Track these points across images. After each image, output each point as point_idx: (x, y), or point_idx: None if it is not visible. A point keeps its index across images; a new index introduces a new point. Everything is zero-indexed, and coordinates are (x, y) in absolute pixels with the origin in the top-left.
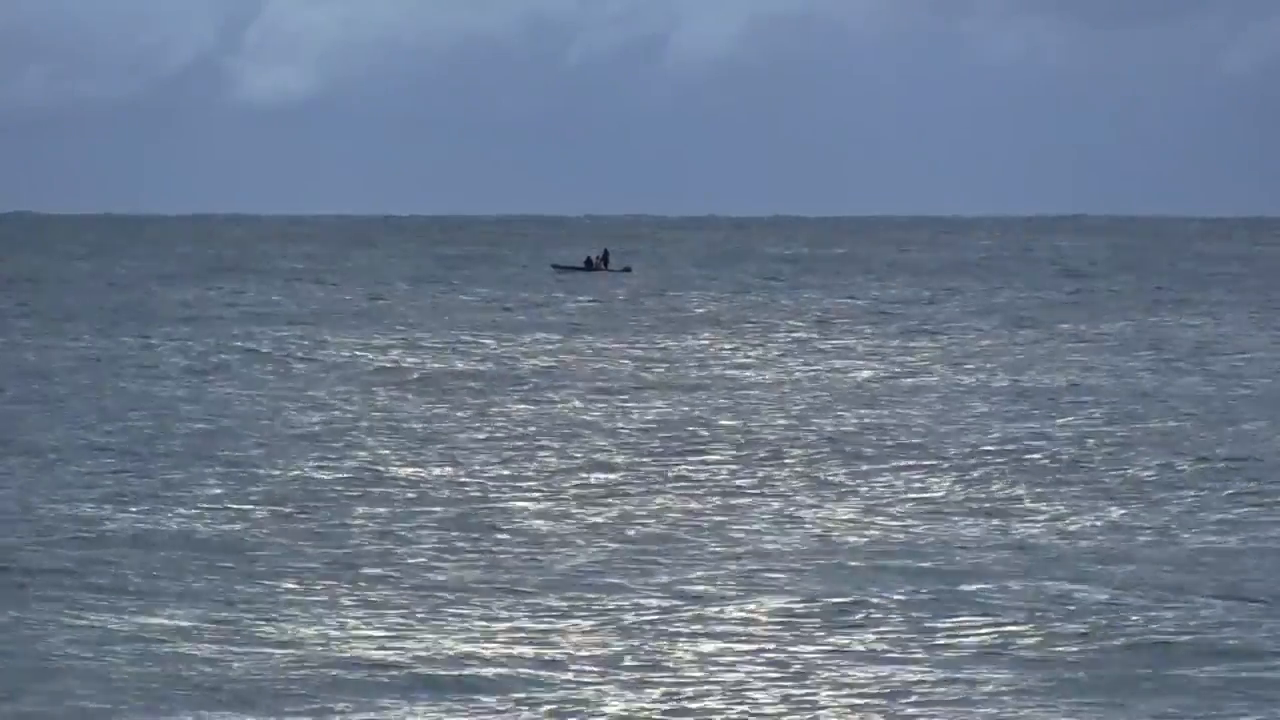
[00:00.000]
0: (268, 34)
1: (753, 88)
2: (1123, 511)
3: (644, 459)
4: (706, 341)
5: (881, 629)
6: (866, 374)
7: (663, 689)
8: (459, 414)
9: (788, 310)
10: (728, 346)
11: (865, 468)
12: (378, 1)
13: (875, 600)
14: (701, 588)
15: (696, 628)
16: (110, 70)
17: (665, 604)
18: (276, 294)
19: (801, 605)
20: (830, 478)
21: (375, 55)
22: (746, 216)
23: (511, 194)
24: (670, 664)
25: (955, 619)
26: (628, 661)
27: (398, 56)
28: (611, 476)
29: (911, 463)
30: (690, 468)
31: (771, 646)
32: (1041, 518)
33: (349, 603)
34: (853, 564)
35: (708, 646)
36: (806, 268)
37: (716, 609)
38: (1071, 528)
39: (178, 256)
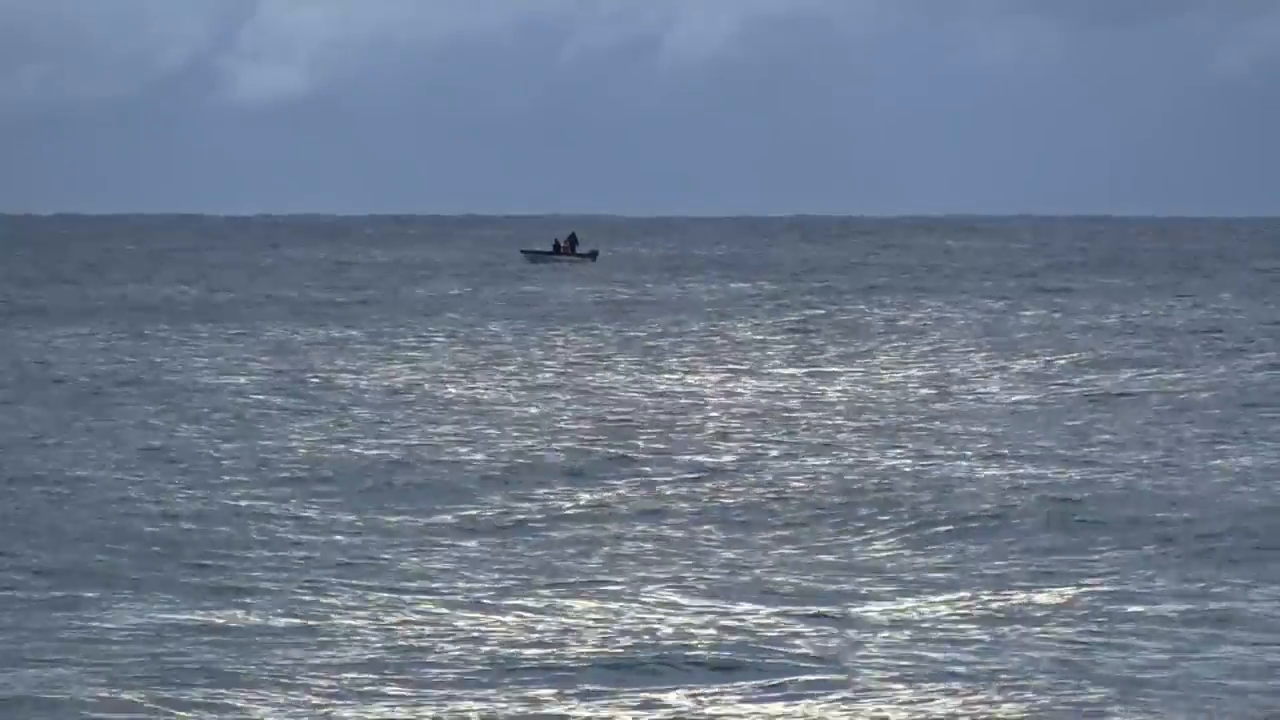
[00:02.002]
0: (261, 34)
1: (746, 88)
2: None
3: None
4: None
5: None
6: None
7: None
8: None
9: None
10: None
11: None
12: (371, 1)
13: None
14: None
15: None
16: (104, 70)
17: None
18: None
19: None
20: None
21: (369, 55)
22: (742, 216)
23: (507, 193)
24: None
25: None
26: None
27: (391, 56)
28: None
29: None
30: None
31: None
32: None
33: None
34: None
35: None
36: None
37: None
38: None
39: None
